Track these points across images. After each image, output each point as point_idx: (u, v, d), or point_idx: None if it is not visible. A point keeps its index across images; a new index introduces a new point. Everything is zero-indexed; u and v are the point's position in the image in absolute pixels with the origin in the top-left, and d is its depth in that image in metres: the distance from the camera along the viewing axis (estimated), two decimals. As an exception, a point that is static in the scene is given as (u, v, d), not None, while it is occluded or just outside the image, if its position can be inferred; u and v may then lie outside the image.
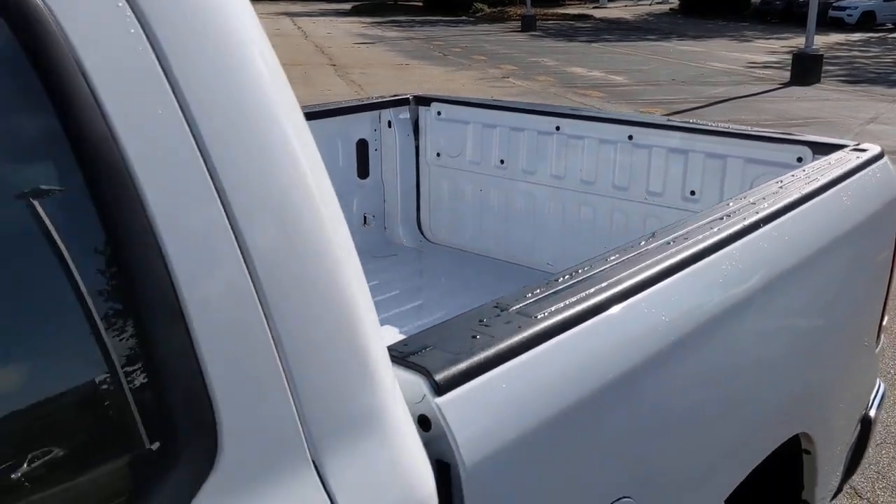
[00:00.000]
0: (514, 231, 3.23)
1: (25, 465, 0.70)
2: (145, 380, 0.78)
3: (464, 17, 30.75)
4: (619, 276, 1.36)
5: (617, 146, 2.87)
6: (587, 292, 1.30)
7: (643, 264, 1.41)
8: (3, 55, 0.74)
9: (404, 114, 3.38)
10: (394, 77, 13.99)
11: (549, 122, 3.01)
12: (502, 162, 3.19)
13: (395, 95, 3.40)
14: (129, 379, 0.78)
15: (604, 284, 1.33)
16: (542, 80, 14.56)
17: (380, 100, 3.37)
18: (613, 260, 1.44)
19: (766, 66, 16.83)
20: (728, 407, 1.52)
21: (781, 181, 1.93)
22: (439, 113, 3.32)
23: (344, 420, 0.93)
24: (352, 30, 25.52)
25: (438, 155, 3.38)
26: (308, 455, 0.88)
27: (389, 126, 3.36)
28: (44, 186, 0.79)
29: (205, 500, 0.80)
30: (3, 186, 0.77)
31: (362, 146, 3.36)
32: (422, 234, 3.54)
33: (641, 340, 1.33)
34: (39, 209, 0.78)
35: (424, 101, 3.37)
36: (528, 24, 25.84)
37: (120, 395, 0.77)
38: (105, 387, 0.77)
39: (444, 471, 1.04)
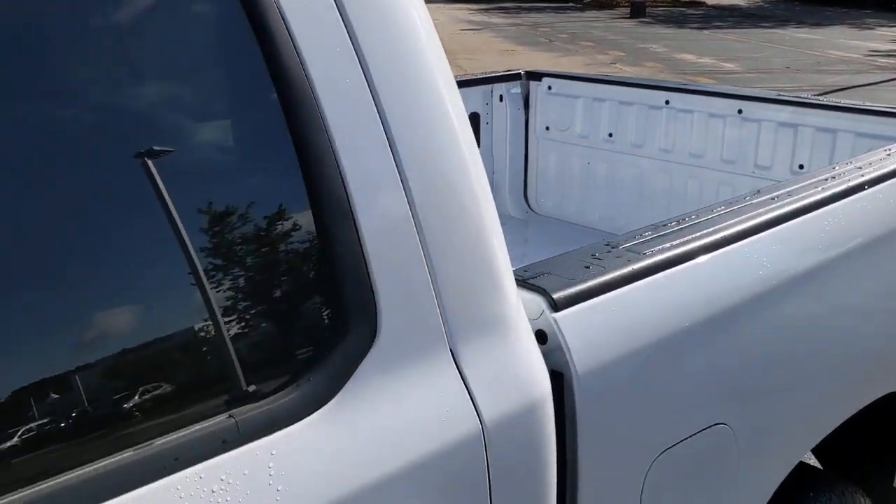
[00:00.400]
0: (620, 204, 3.32)
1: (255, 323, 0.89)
2: (326, 271, 0.96)
3: (571, 4, 30.50)
4: (723, 224, 1.47)
5: (726, 120, 2.93)
6: (693, 236, 1.41)
7: (747, 215, 1.51)
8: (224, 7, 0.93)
9: (516, 88, 3.52)
10: (499, 63, 14.09)
11: (659, 97, 3.09)
12: (610, 135, 3.29)
13: (507, 71, 3.54)
14: (315, 269, 0.96)
15: (709, 230, 1.44)
16: (650, 67, 14.39)
17: (492, 74, 3.52)
18: (719, 211, 1.54)
19: (889, 54, 16.09)
20: (822, 355, 1.61)
21: (889, 149, 1.97)
22: (550, 87, 3.44)
23: (477, 321, 1.08)
24: (459, 16, 25.71)
25: (548, 128, 3.50)
26: (447, 344, 1.04)
27: (501, 100, 3.51)
28: (246, 113, 0.98)
29: (366, 370, 0.97)
30: (212, 112, 0.96)
31: (474, 119, 3.52)
32: (528, 205, 3.67)
33: (743, 283, 1.43)
34: (244, 131, 0.97)
35: (536, 76, 3.50)
36: (637, 11, 25.41)
37: (308, 281, 0.95)
38: (296, 274, 0.95)
39: (558, 380, 1.18)
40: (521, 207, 3.67)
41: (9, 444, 0.75)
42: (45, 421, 0.77)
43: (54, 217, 0.81)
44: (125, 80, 0.91)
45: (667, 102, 3.09)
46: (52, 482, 0.75)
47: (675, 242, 1.38)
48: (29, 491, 0.74)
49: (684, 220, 1.50)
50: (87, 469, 0.78)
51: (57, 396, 0.78)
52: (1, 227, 0.78)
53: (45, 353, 0.78)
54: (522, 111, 3.53)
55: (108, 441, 0.80)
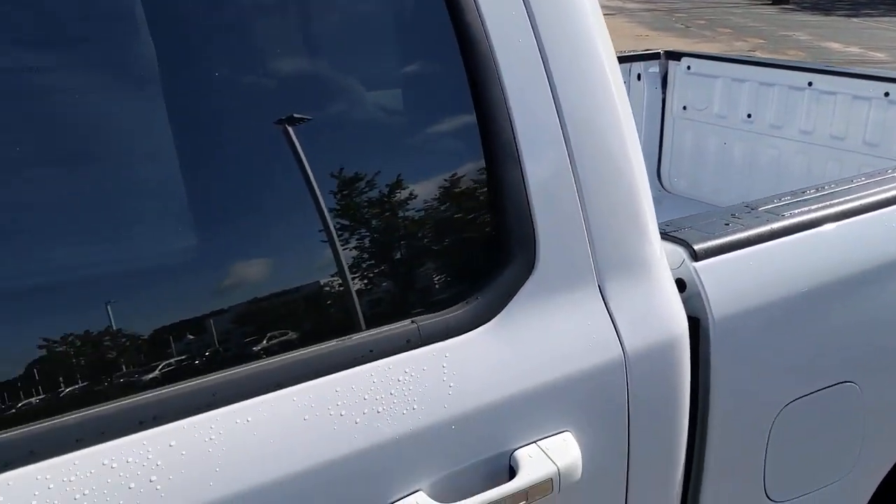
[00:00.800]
0: (757, 185, 3.32)
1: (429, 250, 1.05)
2: (495, 208, 1.10)
3: (709, -11, 29.46)
4: (862, 193, 1.52)
5: (871, 102, 2.89)
6: (832, 202, 1.47)
7: (886, 186, 1.56)
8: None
9: (654, 68, 3.56)
10: (633, 48, 13.88)
11: (801, 78, 3.07)
12: (749, 116, 3.29)
13: (646, 50, 3.59)
14: (485, 206, 1.10)
15: (848, 197, 1.50)
16: (791, 55, 13.83)
17: (631, 53, 3.57)
18: (859, 181, 1.59)
19: None
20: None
21: None
22: (689, 67, 3.47)
23: (623, 262, 1.20)
24: (592, 0, 25.30)
25: (685, 108, 3.53)
26: (595, 280, 1.17)
27: (639, 79, 3.56)
28: (436, 70, 1.13)
29: (524, 295, 1.10)
30: (410, 70, 1.12)
31: (611, 97, 3.58)
32: (661, 184, 3.71)
33: (881, 250, 1.48)
34: (434, 86, 1.12)
35: (675, 55, 3.53)
36: (780, -3, 24.32)
37: (479, 216, 1.10)
38: (470, 210, 1.10)
39: (695, 326, 1.28)
40: (654, 186, 3.71)
41: (251, 330, 0.94)
42: (285, 314, 0.95)
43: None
44: (319, 43, 1.07)
45: (809, 84, 3.07)
46: (282, 358, 0.94)
47: (813, 207, 1.45)
48: (271, 360, 0.92)
49: (823, 188, 1.56)
50: (304, 351, 0.95)
51: (289, 302, 0.97)
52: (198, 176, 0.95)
53: (288, 267, 0.97)
54: (660, 90, 3.57)
55: (321, 331, 0.97)
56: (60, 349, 0.82)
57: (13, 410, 0.80)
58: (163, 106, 0.89)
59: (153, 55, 0.89)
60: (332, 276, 1.00)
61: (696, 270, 1.28)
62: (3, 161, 0.80)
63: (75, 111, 0.86)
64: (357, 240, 1.02)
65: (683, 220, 1.41)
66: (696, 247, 1.30)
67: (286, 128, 0.98)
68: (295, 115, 0.96)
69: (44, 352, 0.81)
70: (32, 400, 0.81)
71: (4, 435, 0.78)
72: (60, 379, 0.82)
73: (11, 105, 0.81)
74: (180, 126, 0.89)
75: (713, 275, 1.29)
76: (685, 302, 1.27)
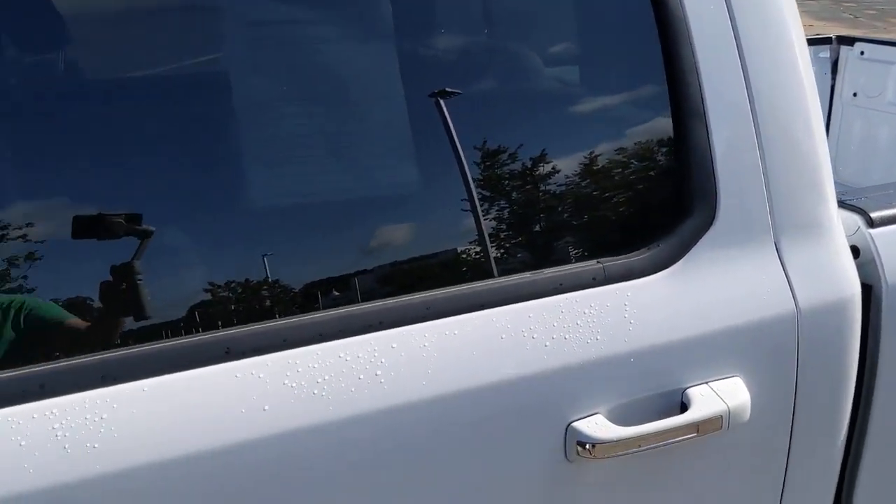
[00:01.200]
0: (930, 176, 3.19)
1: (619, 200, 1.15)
2: (679, 162, 1.18)
3: (883, -23, 27.64)
4: None
5: None
6: None
7: None
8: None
9: (824, 52, 3.46)
10: (795, 37, 13.21)
11: None
12: (926, 105, 3.16)
13: (817, 34, 3.50)
14: (670, 160, 1.19)
15: None
16: (974, 47, 12.81)
17: (802, 37, 3.49)
18: None
19: None
20: None
21: None
22: (862, 53, 3.36)
23: (800, 223, 1.25)
24: (752, -11, 24.24)
25: (855, 95, 3.42)
26: (772, 237, 1.22)
27: (808, 63, 3.47)
28: (631, 35, 1.22)
29: (704, 245, 1.18)
30: (612, 37, 1.21)
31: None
32: (825, 172, 3.61)
33: None
34: (629, 48, 1.21)
35: (847, 40, 3.43)
36: (964, -15, 22.47)
37: (665, 169, 1.19)
38: (657, 163, 1.19)
39: (867, 293, 1.31)
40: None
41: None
42: (489, 247, 1.08)
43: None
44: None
45: None
46: (486, 283, 1.06)
47: None
48: (477, 284, 1.05)
49: None
50: (503, 279, 1.08)
51: (492, 237, 1.10)
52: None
53: (495, 209, 1.10)
54: (829, 76, 3.47)
55: (519, 265, 1.10)
56: (314, 262, 0.98)
57: (272, 306, 0.97)
58: (396, 58, 1.03)
59: (390, 14, 1.03)
60: (532, 217, 1.12)
61: (871, 237, 1.31)
62: (269, 98, 0.96)
63: (324, 59, 1.01)
64: (556, 188, 1.14)
65: (861, 189, 1.44)
66: (872, 215, 1.33)
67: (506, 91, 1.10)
68: (520, 80, 1.09)
69: (300, 264, 0.98)
70: (287, 299, 0.97)
71: (264, 325, 0.95)
72: (310, 284, 0.98)
73: (277, 52, 0.97)
74: (410, 75, 1.03)
75: (889, 242, 1.32)
76: (859, 268, 1.30)
